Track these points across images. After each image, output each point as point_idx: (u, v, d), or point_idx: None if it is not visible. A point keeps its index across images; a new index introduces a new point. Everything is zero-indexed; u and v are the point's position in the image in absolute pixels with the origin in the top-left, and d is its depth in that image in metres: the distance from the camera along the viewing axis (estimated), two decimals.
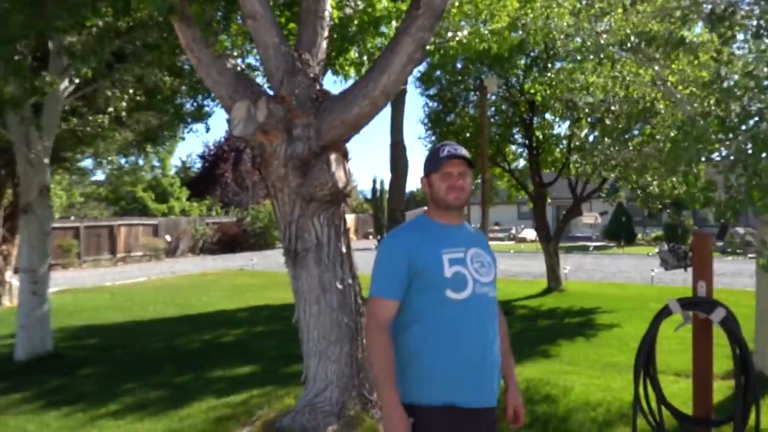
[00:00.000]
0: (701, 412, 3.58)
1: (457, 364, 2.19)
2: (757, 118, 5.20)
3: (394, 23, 7.17)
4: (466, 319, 2.21)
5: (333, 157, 4.28)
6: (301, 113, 4.25)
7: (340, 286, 4.34)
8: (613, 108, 7.85)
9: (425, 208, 2.48)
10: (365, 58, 7.65)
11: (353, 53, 7.56)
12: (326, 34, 4.83)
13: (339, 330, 4.30)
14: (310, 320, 4.33)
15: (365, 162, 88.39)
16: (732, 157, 5.02)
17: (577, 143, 10.95)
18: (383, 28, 7.38)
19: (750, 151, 4.89)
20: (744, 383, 3.35)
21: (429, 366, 2.19)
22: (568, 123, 12.34)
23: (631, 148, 7.79)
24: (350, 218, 33.16)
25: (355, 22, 7.23)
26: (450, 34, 9.66)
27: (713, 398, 3.76)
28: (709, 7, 5.98)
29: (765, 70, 5.71)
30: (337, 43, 7.12)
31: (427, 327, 2.21)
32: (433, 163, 2.32)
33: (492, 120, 13.40)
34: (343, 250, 4.41)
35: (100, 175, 26.00)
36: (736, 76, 6.05)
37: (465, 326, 2.20)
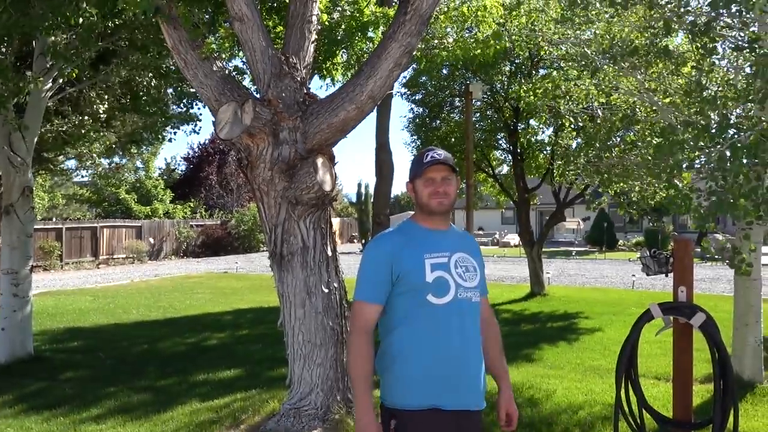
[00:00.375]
0: (681, 415, 3.63)
1: (438, 367, 2.21)
2: (735, 128, 5.30)
3: (381, 28, 7.21)
4: (447, 323, 2.23)
5: (319, 160, 4.29)
6: (288, 116, 4.27)
7: (325, 290, 4.35)
8: (595, 115, 7.94)
9: (412, 212, 2.50)
10: (353, 62, 7.68)
11: (340, 57, 7.59)
12: (314, 38, 4.85)
13: (324, 333, 4.31)
14: (295, 324, 4.34)
15: (350, 166, 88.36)
16: (713, 165, 5.11)
17: (560, 150, 11.07)
18: (371, 33, 7.42)
19: (730, 160, 4.98)
20: (722, 387, 3.41)
21: (410, 369, 2.21)
22: (551, 129, 12.47)
23: (613, 154, 7.89)
24: (335, 222, 33.12)
25: (343, 26, 7.26)
26: (437, 41, 9.73)
27: (697, 402, 3.82)
28: (691, 18, 6.07)
29: (742, 79, 5.81)
30: (325, 48, 7.14)
31: (409, 331, 2.23)
32: (416, 169, 2.34)
33: (477, 125, 13.49)
34: (329, 253, 4.43)
35: (82, 177, 25.76)
36: (716, 86, 6.16)
37: (446, 330, 2.22)
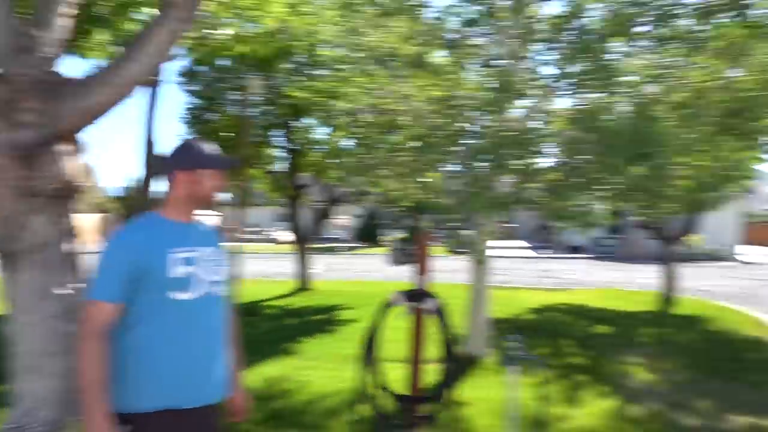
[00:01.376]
0: (415, 392, 4.09)
1: (178, 364, 2.18)
2: (473, 134, 6.10)
3: (149, 10, 6.84)
4: (189, 319, 2.21)
5: (65, 148, 3.95)
6: (30, 97, 3.86)
7: (62, 292, 3.99)
8: (361, 117, 8.39)
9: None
10: (119, 43, 7.19)
11: (102, 37, 7.05)
12: (67, 11, 4.44)
13: (58, 341, 3.94)
14: (25, 331, 3.91)
15: (114, 158, 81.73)
16: (457, 167, 5.85)
17: (332, 149, 11.51)
18: (139, 15, 7.00)
19: (470, 161, 5.73)
20: (446, 364, 3.93)
21: (148, 369, 2.15)
22: (327, 129, 12.89)
23: (379, 156, 8.42)
24: (94, 217, 30.60)
25: (108, 3, 6.74)
26: (213, 31, 9.47)
27: (429, 379, 4.31)
28: (448, 36, 6.79)
29: (484, 92, 6.64)
30: (84, 26, 6.58)
31: (150, 328, 2.17)
32: (208, 161, 2.33)
33: (254, 121, 13.42)
34: (69, 251, 4.07)
35: None
36: (464, 98, 6.97)
37: (188, 326, 2.20)
